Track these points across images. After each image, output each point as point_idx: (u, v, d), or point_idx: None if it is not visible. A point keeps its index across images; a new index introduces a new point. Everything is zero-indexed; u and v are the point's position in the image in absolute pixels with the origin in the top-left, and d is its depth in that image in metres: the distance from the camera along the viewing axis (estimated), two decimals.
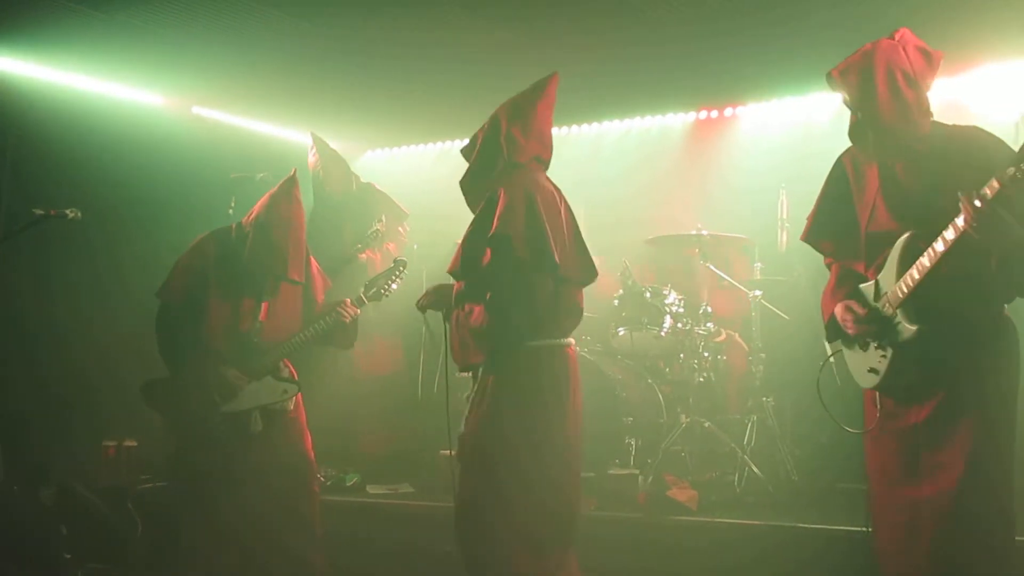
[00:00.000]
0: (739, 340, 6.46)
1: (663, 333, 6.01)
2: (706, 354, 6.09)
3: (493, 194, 3.78)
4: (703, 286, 6.54)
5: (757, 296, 6.12)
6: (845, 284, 3.47)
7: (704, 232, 6.14)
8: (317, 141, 6.92)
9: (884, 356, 3.25)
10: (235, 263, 4.65)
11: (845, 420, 3.52)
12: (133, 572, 5.13)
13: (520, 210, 3.69)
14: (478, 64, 6.47)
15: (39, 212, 4.36)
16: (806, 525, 4.60)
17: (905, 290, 3.15)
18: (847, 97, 3.34)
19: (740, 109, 7.40)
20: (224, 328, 4.62)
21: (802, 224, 3.64)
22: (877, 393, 3.34)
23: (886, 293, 3.25)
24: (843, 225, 3.44)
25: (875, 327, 3.25)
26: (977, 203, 2.82)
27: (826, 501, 5.31)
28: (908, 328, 3.15)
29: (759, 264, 6.43)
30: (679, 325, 6.02)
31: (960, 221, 2.91)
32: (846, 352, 3.47)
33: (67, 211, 4.39)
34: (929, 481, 3.12)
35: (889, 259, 3.24)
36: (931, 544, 3.08)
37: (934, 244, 3.01)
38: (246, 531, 4.50)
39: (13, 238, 4.69)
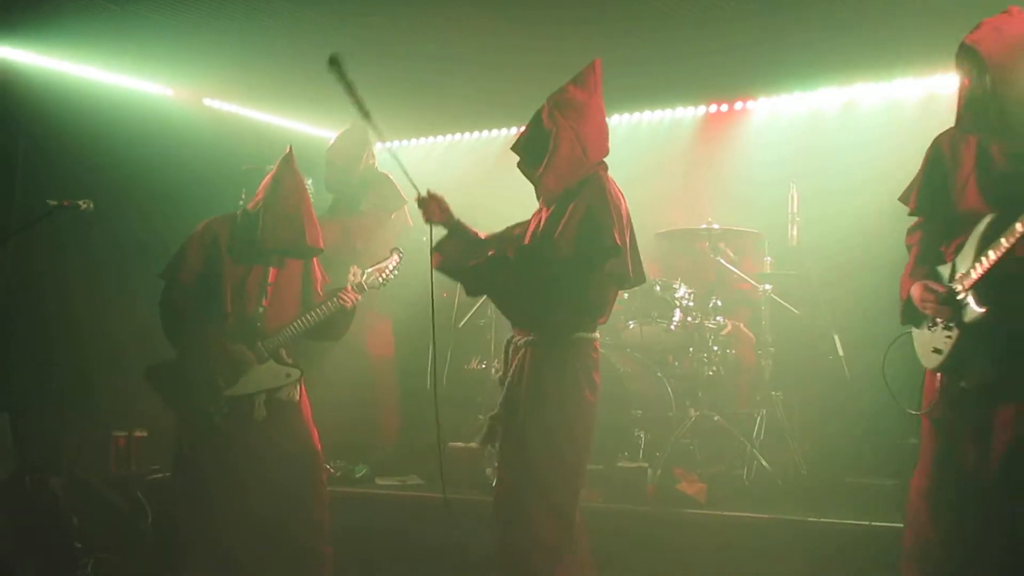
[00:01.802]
0: (748, 333, 6.46)
1: (672, 327, 6.01)
2: (715, 348, 6.09)
3: (578, 197, 3.88)
4: (713, 280, 6.55)
5: (767, 290, 6.11)
6: (924, 265, 3.45)
7: (715, 226, 6.13)
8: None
9: (950, 336, 3.23)
10: (246, 243, 4.71)
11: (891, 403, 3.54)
12: (144, 561, 5.14)
13: (608, 219, 3.81)
14: (486, 59, 6.49)
15: (52, 203, 4.40)
16: (815, 519, 4.60)
17: (979, 270, 3.13)
18: (976, 68, 3.21)
19: (751, 103, 7.39)
20: (230, 308, 4.66)
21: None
22: (939, 375, 3.32)
23: (961, 274, 3.23)
24: (939, 204, 3.40)
25: (951, 307, 3.22)
26: None
27: (835, 495, 5.31)
28: (975, 310, 3.14)
29: (769, 258, 6.42)
30: (689, 319, 6.02)
31: None
32: (915, 332, 3.45)
33: (80, 202, 4.43)
34: (1010, 483, 3.09)
35: (969, 240, 3.23)
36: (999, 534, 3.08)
37: (1015, 224, 2.98)
38: (251, 521, 4.51)
39: (27, 229, 4.72)
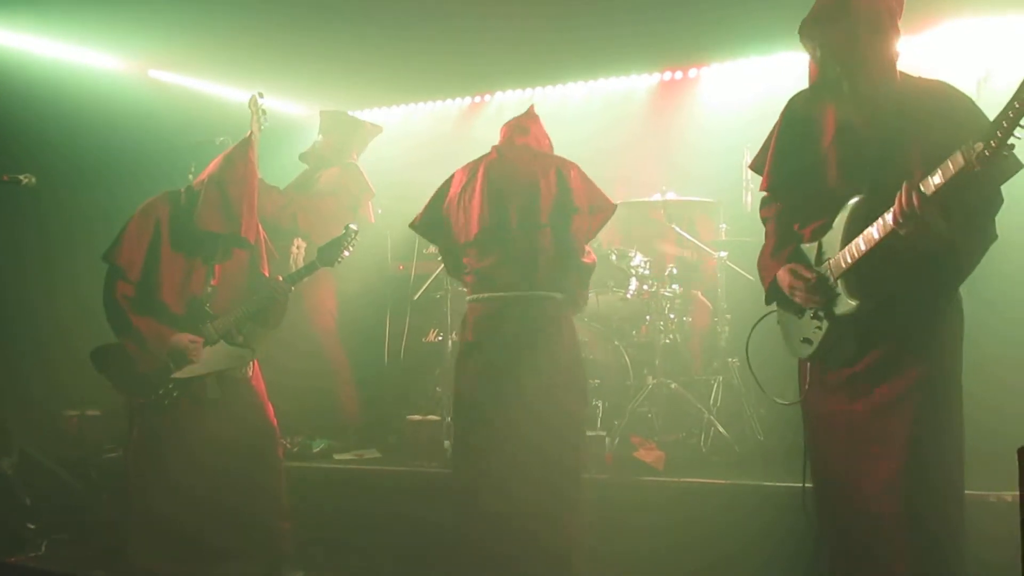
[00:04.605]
0: (703, 300, 6.48)
1: (629, 295, 6.02)
2: (672, 316, 6.10)
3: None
4: (669, 248, 6.55)
5: (722, 257, 6.13)
6: (787, 245, 3.30)
7: (669, 195, 6.14)
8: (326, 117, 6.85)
9: (819, 328, 3.13)
10: (187, 225, 4.54)
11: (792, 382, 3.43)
12: (99, 542, 5.08)
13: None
14: (441, 26, 6.40)
15: None
16: (771, 483, 4.63)
17: (849, 260, 3.00)
18: (821, 50, 3.08)
19: (704, 70, 7.39)
20: (176, 292, 4.53)
21: None
22: (809, 364, 3.23)
23: (829, 259, 3.10)
24: (796, 177, 3.25)
25: (821, 294, 3.10)
26: (914, 199, 2.72)
27: (791, 460, 5.30)
28: (847, 302, 3.03)
29: (724, 225, 6.43)
30: (645, 287, 6.02)
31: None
32: (780, 315, 3.35)
33: (21, 176, 4.31)
34: (874, 446, 3.03)
35: (836, 222, 3.09)
36: (877, 505, 3.00)
37: (884, 215, 2.85)
38: (205, 499, 4.45)
39: None
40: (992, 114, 2.68)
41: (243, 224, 4.55)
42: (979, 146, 2.60)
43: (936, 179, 2.72)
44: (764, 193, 3.49)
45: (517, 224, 4.38)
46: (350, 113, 7.29)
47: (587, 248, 4.52)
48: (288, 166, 6.86)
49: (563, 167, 4.45)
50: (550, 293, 4.38)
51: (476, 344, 4.42)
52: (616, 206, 4.54)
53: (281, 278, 4.68)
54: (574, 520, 4.25)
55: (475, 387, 4.38)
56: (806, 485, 3.36)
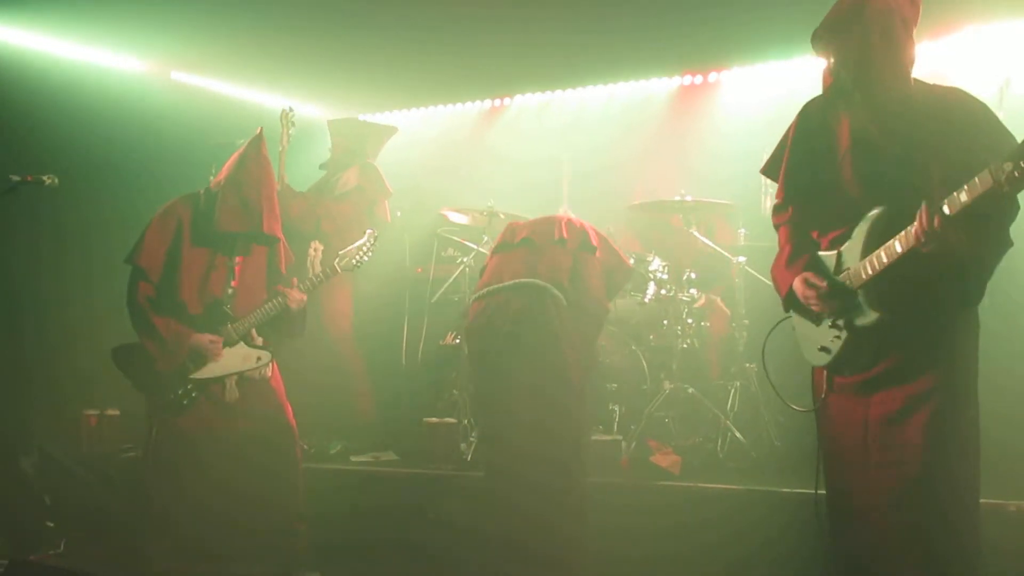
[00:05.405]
0: (721, 305, 6.46)
1: (647, 299, 6.01)
2: (690, 320, 6.09)
3: None
4: (687, 252, 6.53)
5: (741, 262, 6.11)
6: (802, 254, 3.27)
7: (688, 198, 6.11)
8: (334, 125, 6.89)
9: (838, 337, 3.10)
10: (207, 225, 4.59)
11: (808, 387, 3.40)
12: (117, 541, 5.11)
13: None
14: (460, 29, 6.42)
15: (15, 178, 4.32)
16: (788, 490, 4.61)
17: (870, 271, 2.96)
18: (834, 58, 3.04)
19: (724, 74, 7.37)
20: (196, 292, 4.57)
21: None
22: (825, 370, 3.22)
23: (848, 268, 3.06)
24: (811, 185, 3.23)
25: (839, 303, 3.07)
26: (935, 220, 2.68)
27: (807, 466, 5.28)
28: (868, 313, 3.00)
29: (743, 230, 6.40)
30: (663, 291, 6.01)
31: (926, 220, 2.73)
32: (797, 322, 3.32)
33: (44, 177, 4.35)
34: (888, 452, 3.01)
35: (856, 232, 3.05)
36: (891, 514, 2.99)
37: (908, 229, 2.81)
38: (223, 499, 4.47)
39: None
40: (1014, 120, 2.66)
41: (264, 220, 4.59)
42: (1008, 166, 2.54)
43: (963, 197, 2.66)
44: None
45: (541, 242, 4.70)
46: (367, 117, 7.31)
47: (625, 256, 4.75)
48: (308, 170, 6.89)
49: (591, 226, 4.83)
50: (552, 287, 4.51)
51: (474, 332, 4.63)
52: (632, 268, 4.72)
53: (296, 281, 4.71)
54: (577, 501, 4.28)
55: (479, 371, 4.62)
56: (818, 492, 3.32)
